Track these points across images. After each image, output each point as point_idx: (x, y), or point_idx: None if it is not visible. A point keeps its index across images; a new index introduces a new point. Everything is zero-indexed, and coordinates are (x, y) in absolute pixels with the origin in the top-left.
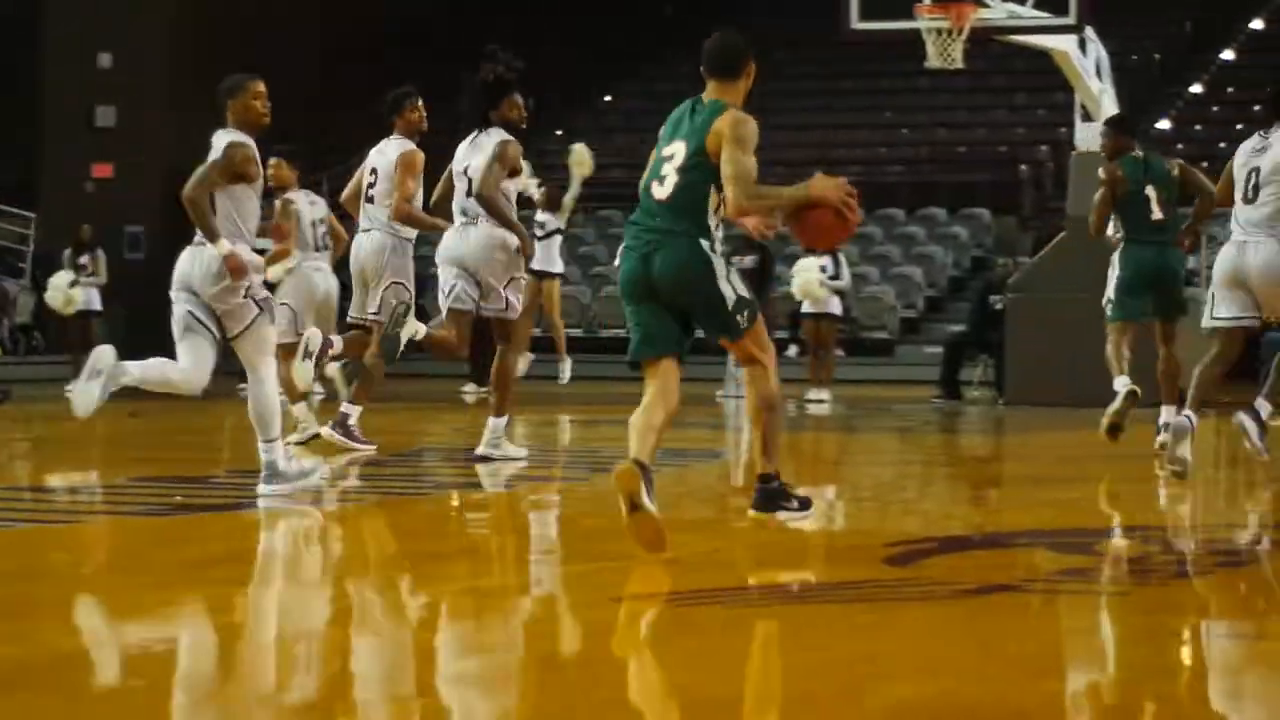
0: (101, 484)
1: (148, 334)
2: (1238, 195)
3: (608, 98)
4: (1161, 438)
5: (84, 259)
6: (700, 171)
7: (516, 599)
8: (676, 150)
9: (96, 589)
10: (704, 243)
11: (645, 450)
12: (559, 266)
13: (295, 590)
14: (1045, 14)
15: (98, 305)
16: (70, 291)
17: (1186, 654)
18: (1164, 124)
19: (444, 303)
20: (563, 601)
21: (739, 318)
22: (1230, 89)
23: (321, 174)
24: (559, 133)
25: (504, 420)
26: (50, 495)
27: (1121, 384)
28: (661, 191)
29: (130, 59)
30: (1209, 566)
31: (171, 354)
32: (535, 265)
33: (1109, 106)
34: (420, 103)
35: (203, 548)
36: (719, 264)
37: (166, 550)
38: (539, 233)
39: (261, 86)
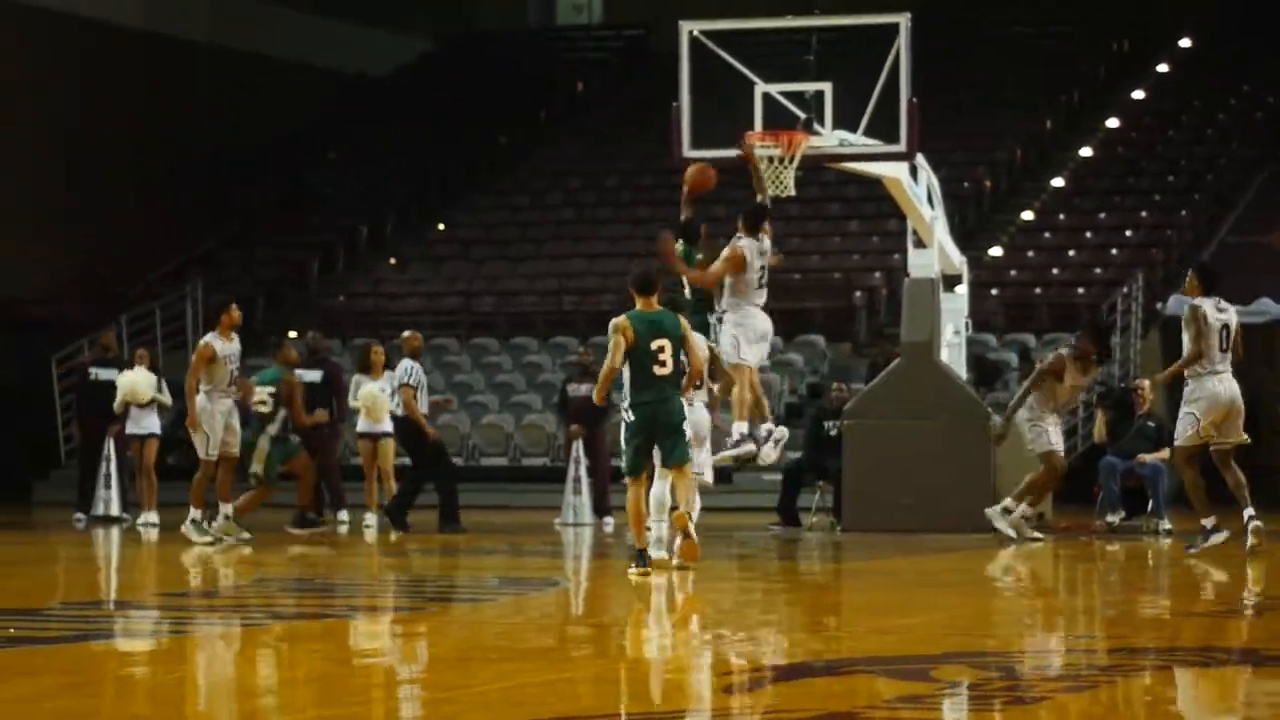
0: None
1: None
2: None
3: (440, 226)
4: None
5: None
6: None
7: None
8: (665, 344)
9: None
10: None
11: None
12: None
13: None
14: (876, 142)
15: None
16: None
17: None
18: (996, 251)
19: None
20: None
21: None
22: (1061, 215)
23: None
24: (392, 260)
25: None
26: None
27: None
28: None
29: None
30: (1048, 691)
31: None
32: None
33: (940, 233)
34: None
35: (37, 681)
36: None
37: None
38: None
39: None
